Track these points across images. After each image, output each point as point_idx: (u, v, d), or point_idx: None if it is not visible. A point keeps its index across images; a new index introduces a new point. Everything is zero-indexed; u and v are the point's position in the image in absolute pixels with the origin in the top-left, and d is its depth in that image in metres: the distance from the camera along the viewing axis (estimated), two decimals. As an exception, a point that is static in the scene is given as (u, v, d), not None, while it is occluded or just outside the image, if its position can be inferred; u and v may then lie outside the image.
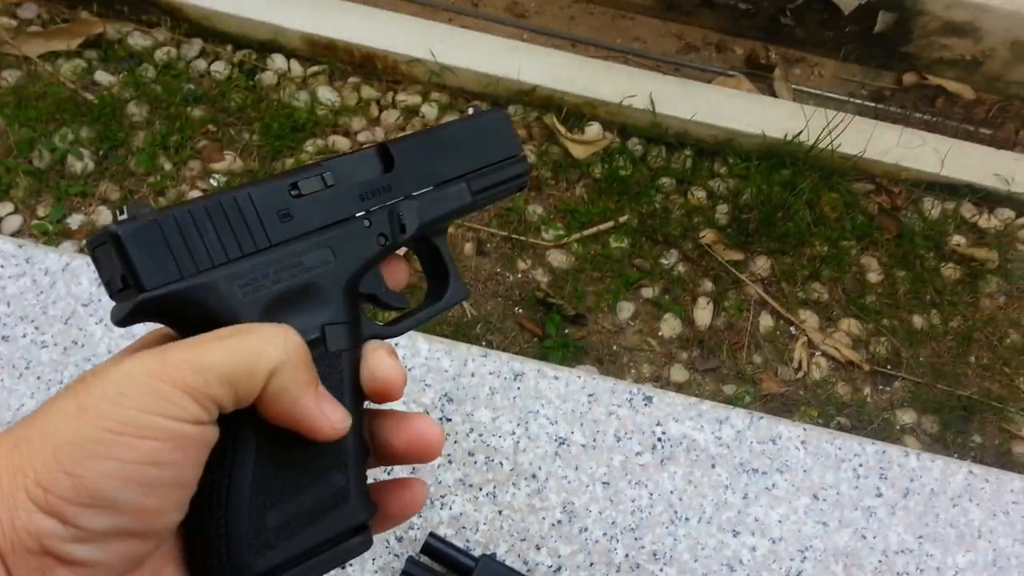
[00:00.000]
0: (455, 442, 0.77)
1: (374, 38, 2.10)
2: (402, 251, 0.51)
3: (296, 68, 2.18)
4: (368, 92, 2.19)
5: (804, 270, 2.05)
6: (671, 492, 0.77)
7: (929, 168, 2.12)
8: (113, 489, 0.33)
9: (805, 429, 0.81)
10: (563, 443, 0.77)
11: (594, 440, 0.78)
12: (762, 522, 0.76)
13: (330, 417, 0.39)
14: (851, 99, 2.39)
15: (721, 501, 0.77)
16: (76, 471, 0.33)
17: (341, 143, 2.10)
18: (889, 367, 1.97)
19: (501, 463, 0.76)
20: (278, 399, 0.37)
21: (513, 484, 0.75)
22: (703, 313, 1.98)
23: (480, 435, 0.77)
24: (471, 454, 0.76)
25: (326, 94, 2.15)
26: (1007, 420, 1.95)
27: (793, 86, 2.38)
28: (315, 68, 2.19)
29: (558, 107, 2.16)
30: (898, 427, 1.91)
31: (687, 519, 0.76)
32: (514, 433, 0.77)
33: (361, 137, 2.12)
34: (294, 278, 0.41)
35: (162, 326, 0.41)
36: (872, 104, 2.40)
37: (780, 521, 0.77)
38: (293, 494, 0.40)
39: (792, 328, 2.00)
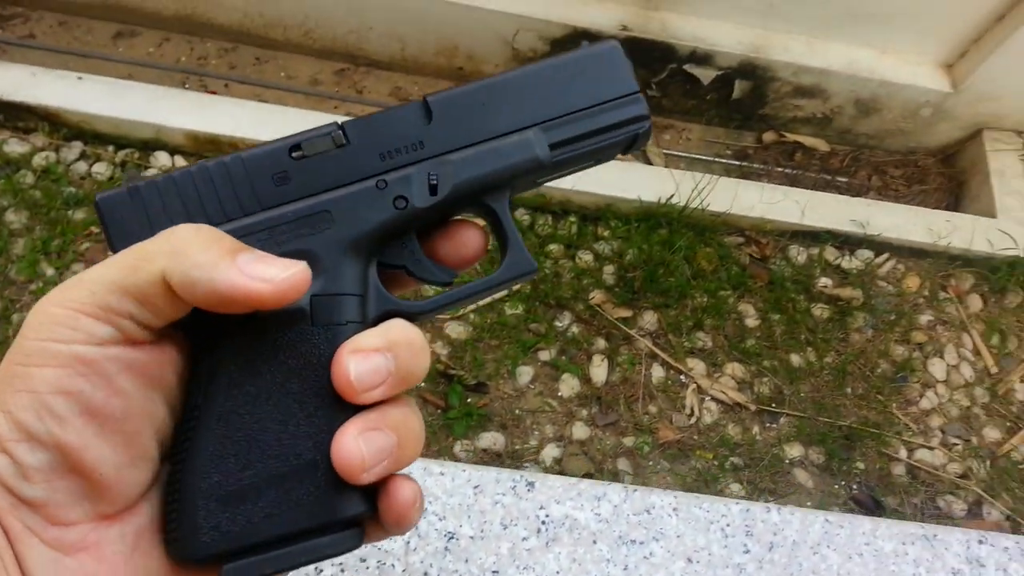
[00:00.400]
0: (349, 549, 0.80)
1: (258, 131, 2.14)
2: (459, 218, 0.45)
3: (181, 163, 2.19)
4: (257, 181, 2.22)
5: (688, 321, 2.17)
6: (557, 573, 0.82)
7: (791, 219, 2.30)
8: (30, 421, 0.34)
9: (676, 496, 0.89)
10: (452, 537, 0.82)
11: (482, 531, 0.83)
12: (642, 591, 0.83)
13: (262, 275, 0.35)
14: (718, 159, 2.57)
15: (604, 575, 0.83)
16: (4, 407, 0.35)
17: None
18: (773, 405, 2.10)
19: (393, 565, 0.80)
20: (195, 288, 0.35)
21: (407, 584, 0.79)
22: (598, 370, 2.07)
23: (373, 539, 0.81)
24: (363, 560, 0.79)
25: (214, 186, 2.16)
26: (885, 444, 2.10)
27: (664, 151, 2.55)
28: (201, 162, 2.20)
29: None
30: (787, 461, 2.03)
31: (573, 597, 0.81)
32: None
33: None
34: (280, 245, 0.39)
35: None
36: (737, 162, 2.59)
37: (658, 587, 0.83)
38: (256, 478, 0.37)
39: (682, 376, 2.11)
